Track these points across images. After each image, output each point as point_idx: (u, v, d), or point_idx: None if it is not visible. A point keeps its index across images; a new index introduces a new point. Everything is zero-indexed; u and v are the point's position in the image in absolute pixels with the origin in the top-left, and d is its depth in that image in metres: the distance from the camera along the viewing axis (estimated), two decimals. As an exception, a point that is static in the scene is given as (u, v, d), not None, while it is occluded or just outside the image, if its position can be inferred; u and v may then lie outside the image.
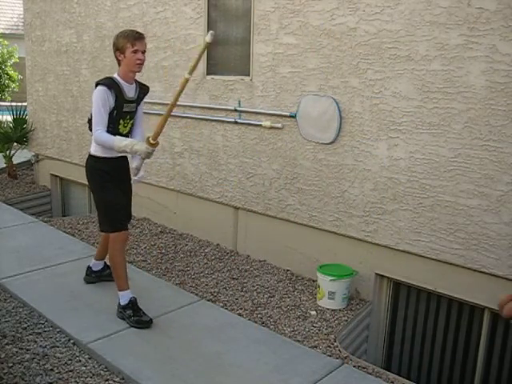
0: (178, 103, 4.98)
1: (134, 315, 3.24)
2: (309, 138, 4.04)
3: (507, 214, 3.15)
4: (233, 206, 4.74)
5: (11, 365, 2.83)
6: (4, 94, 14.52)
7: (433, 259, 3.51)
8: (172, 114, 5.05)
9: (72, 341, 3.09)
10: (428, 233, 3.50)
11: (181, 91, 3.07)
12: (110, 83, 3.19)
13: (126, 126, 3.36)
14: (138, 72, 3.27)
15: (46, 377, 2.74)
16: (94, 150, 3.34)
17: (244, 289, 3.97)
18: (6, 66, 14.49)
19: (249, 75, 4.42)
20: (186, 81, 3.04)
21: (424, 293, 3.77)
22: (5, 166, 7.46)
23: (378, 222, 3.75)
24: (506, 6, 3.00)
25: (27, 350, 2.98)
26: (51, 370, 2.80)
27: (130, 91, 3.29)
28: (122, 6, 5.45)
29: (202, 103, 4.82)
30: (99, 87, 3.17)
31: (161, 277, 4.12)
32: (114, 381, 2.74)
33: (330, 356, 3.08)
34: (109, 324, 3.26)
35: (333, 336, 3.34)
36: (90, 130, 3.30)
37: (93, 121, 3.20)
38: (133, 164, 3.32)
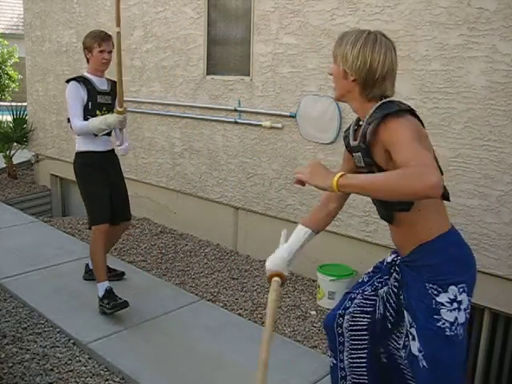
0: (178, 103, 5.06)
1: (110, 302, 3.26)
2: (309, 138, 4.04)
3: (507, 213, 3.15)
4: (233, 205, 4.74)
5: (11, 365, 2.83)
6: (4, 94, 14.51)
7: (433, 259, 3.51)
8: (172, 113, 5.13)
9: (72, 341, 3.09)
10: (428, 233, 3.49)
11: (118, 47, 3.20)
12: (78, 78, 3.43)
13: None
14: (104, 70, 3.48)
15: (46, 377, 2.74)
16: (78, 146, 3.48)
17: (244, 289, 3.97)
18: (6, 65, 14.49)
19: (249, 75, 4.42)
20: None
21: (424, 293, 3.76)
22: (5, 165, 7.46)
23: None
24: (506, 5, 3.00)
25: (27, 350, 2.98)
26: (51, 369, 2.80)
27: (101, 84, 3.47)
28: (121, 6, 5.43)
29: (202, 103, 4.82)
30: (70, 83, 3.39)
31: (161, 277, 4.12)
32: (114, 381, 2.74)
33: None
34: (108, 324, 3.26)
35: (333, 336, 3.34)
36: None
37: (69, 114, 3.36)
38: (116, 141, 3.64)
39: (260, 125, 4.34)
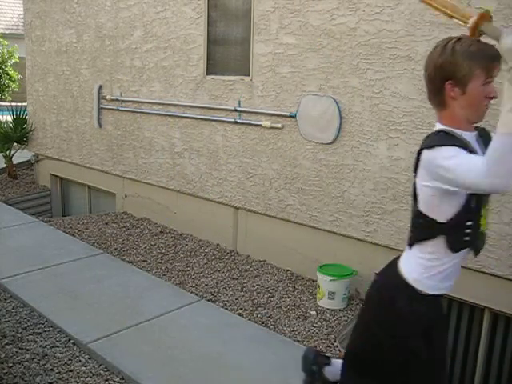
0: (178, 103, 5.06)
1: None
2: (309, 137, 4.04)
3: (507, 213, 3.15)
4: (233, 205, 4.74)
5: (11, 365, 2.83)
6: (4, 94, 14.52)
7: (433, 259, 3.50)
8: (172, 113, 5.13)
9: (72, 341, 3.09)
10: (428, 233, 3.49)
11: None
12: (455, 140, 1.68)
13: (485, 218, 1.81)
14: (480, 121, 1.82)
15: (46, 377, 2.74)
16: (417, 272, 1.76)
17: (244, 289, 3.97)
18: (6, 66, 14.49)
19: (249, 75, 4.42)
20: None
21: (424, 293, 3.76)
22: (5, 165, 7.46)
23: (377, 222, 3.75)
24: (505, 6, 3.00)
25: (27, 350, 2.98)
26: (51, 369, 2.80)
27: (476, 147, 1.77)
28: (121, 6, 5.45)
29: (202, 103, 4.83)
30: (448, 148, 1.62)
31: (161, 277, 4.12)
32: (114, 381, 2.74)
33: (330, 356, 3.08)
34: (109, 324, 3.26)
35: (333, 336, 3.34)
36: (412, 243, 1.81)
37: (462, 171, 1.57)
38: None
39: (260, 125, 4.34)
